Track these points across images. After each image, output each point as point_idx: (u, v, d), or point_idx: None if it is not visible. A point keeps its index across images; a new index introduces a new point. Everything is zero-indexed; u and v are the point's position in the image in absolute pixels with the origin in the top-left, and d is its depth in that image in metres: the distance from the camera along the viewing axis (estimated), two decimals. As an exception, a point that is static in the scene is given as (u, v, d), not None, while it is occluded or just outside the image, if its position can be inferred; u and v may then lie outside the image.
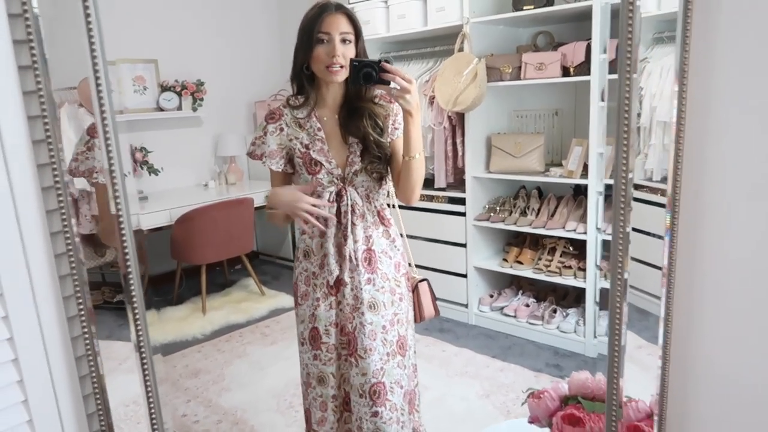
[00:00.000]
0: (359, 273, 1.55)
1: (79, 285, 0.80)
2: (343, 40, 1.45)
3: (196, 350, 3.33)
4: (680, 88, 0.70)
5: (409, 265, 1.73)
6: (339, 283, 1.56)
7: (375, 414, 1.55)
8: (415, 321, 1.72)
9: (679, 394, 0.86)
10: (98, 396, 0.87)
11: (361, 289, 1.54)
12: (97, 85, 0.72)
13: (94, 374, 0.85)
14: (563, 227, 3.08)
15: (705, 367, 0.85)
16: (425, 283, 1.76)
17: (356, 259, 1.54)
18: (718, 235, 0.79)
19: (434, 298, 1.78)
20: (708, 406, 0.86)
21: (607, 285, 0.86)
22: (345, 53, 1.45)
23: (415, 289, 1.72)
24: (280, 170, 1.59)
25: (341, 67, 1.45)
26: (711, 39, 0.72)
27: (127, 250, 0.82)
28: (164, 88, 4.20)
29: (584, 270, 3.00)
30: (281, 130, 1.57)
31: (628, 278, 0.75)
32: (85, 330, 0.83)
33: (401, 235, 1.69)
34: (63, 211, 0.76)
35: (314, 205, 1.48)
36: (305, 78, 1.54)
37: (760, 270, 0.78)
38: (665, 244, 0.77)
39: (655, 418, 0.82)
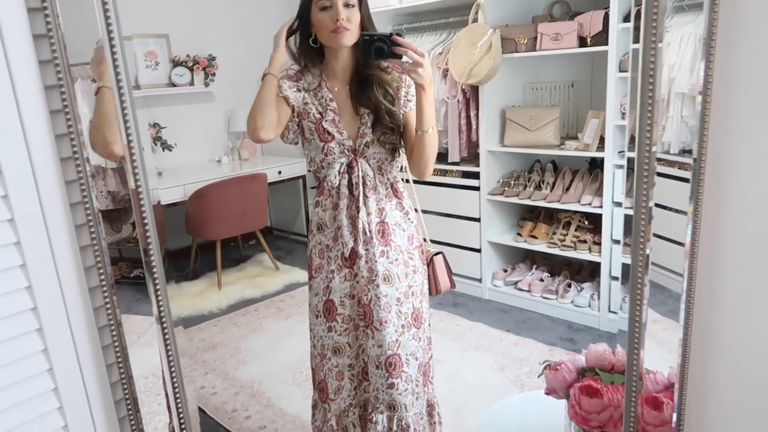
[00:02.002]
0: (373, 245, 1.55)
1: (99, 256, 0.81)
2: (346, 5, 1.43)
3: (213, 324, 3.38)
4: (707, 57, 0.68)
5: (424, 240, 1.73)
6: (354, 255, 1.56)
7: (391, 386, 1.57)
8: (431, 294, 1.72)
9: (699, 368, 0.86)
10: (121, 365, 0.88)
11: (376, 261, 1.54)
12: (114, 59, 0.72)
13: (117, 344, 0.87)
14: (578, 201, 3.05)
15: (724, 343, 0.85)
16: (440, 256, 1.76)
17: (370, 231, 1.54)
18: (742, 210, 0.77)
19: (449, 271, 1.78)
20: (727, 380, 0.86)
21: (626, 260, 0.85)
22: (349, 16, 1.43)
23: (430, 263, 1.72)
24: (288, 95, 1.52)
25: (346, 29, 1.43)
26: (740, 4, 0.69)
27: (147, 225, 0.83)
28: (176, 63, 4.19)
29: (599, 244, 2.98)
30: (298, 90, 1.55)
31: (650, 254, 0.74)
32: (107, 300, 0.84)
33: (416, 210, 1.68)
34: (82, 182, 0.77)
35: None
36: (313, 51, 1.53)
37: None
38: (689, 218, 0.76)
39: (676, 388, 0.82)
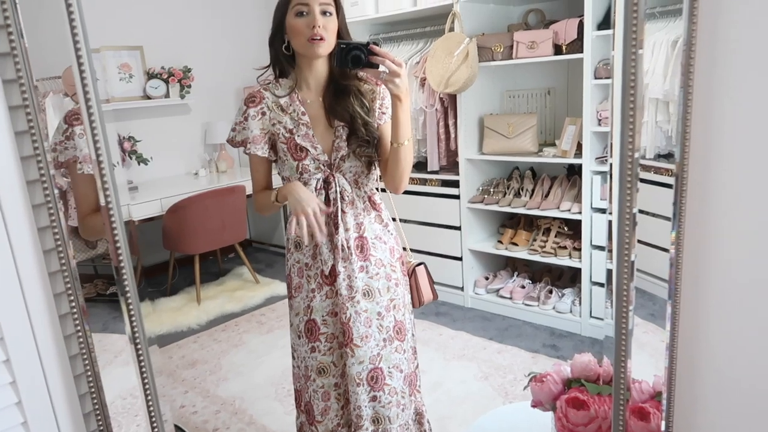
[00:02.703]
0: (352, 261, 1.51)
1: (69, 281, 0.78)
2: (324, 12, 1.39)
3: (192, 341, 3.31)
4: (686, 62, 0.68)
5: (404, 249, 1.70)
6: (334, 272, 1.52)
7: (373, 398, 1.54)
8: (414, 306, 1.70)
9: (686, 375, 0.85)
10: (94, 395, 0.84)
11: (355, 277, 1.51)
12: (81, 71, 0.69)
13: (89, 373, 0.83)
14: (558, 207, 3.07)
15: (710, 350, 0.84)
16: (422, 266, 1.73)
17: (348, 248, 1.50)
18: (726, 215, 0.77)
19: (432, 282, 1.75)
20: (715, 386, 0.85)
21: (610, 265, 0.84)
22: (326, 25, 1.39)
23: (412, 274, 1.69)
24: (265, 156, 1.52)
25: (322, 39, 1.38)
26: (719, 9, 0.69)
27: (118, 242, 0.79)
28: (151, 76, 4.13)
29: (579, 250, 3.00)
30: (263, 114, 1.50)
31: (635, 260, 0.73)
32: (78, 328, 0.81)
33: (394, 219, 1.66)
34: (50, 205, 0.73)
35: (316, 219, 1.42)
36: (285, 59, 1.48)
37: None
38: (673, 222, 0.75)
39: (664, 398, 0.81)
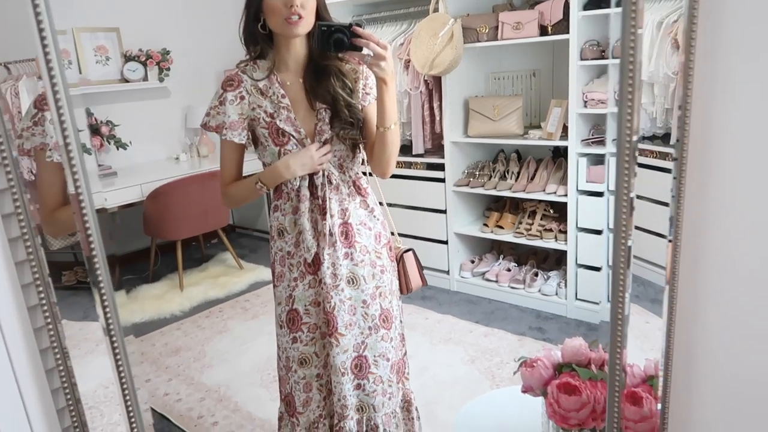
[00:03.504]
0: (337, 249, 1.46)
1: (38, 271, 0.73)
2: None
3: (176, 328, 3.27)
4: (687, 43, 0.65)
5: (392, 234, 1.66)
6: (317, 260, 1.47)
7: (357, 387, 1.52)
8: (402, 293, 1.66)
9: (681, 360, 0.84)
10: (67, 389, 0.81)
11: (340, 265, 1.47)
12: (45, 52, 0.64)
13: (61, 367, 0.79)
14: (543, 190, 3.06)
15: (706, 337, 0.83)
16: (411, 252, 1.69)
17: (333, 234, 1.46)
18: (723, 201, 0.75)
19: (421, 268, 1.71)
20: (710, 372, 0.84)
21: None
22: (304, 3, 1.32)
23: (400, 260, 1.65)
24: (242, 143, 1.46)
25: (300, 17, 1.32)
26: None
27: (89, 231, 0.75)
28: (128, 58, 4.03)
29: (565, 232, 2.99)
30: (242, 98, 1.44)
31: (632, 245, 0.71)
32: (49, 320, 0.77)
33: (381, 203, 1.61)
34: (14, 190, 0.69)
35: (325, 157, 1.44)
36: (261, 38, 1.41)
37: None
38: (671, 208, 0.73)
39: (660, 384, 0.80)
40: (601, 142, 2.81)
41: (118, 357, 0.83)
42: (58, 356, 0.78)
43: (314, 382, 1.55)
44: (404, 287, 1.66)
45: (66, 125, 0.64)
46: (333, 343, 1.48)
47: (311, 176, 1.46)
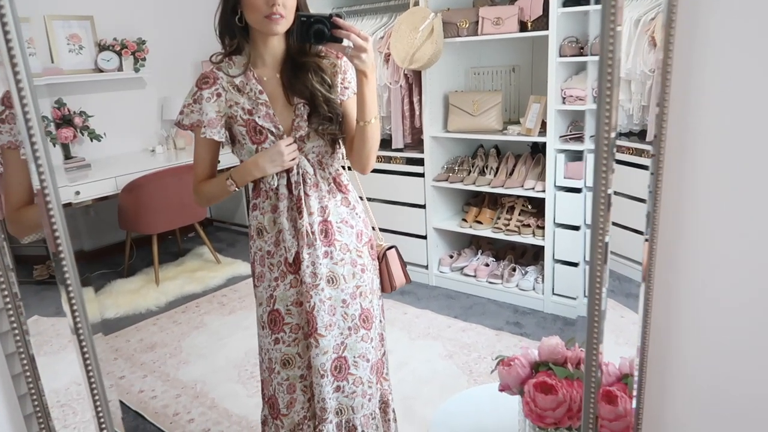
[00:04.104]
0: (316, 248, 1.44)
1: (2, 274, 0.70)
2: None
3: (151, 323, 3.22)
4: (666, 40, 0.65)
5: (373, 229, 1.64)
6: (298, 259, 1.45)
7: (337, 389, 1.49)
8: (385, 291, 1.64)
9: (657, 359, 0.84)
10: (35, 396, 0.78)
11: (319, 264, 1.44)
12: (9, 47, 0.61)
13: (28, 373, 0.76)
14: (522, 186, 3.07)
15: (681, 335, 0.83)
16: (393, 250, 1.66)
17: (312, 233, 1.43)
18: (699, 198, 0.75)
19: (404, 265, 1.69)
20: (686, 370, 0.85)
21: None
22: (285, 2, 1.29)
23: (383, 258, 1.62)
24: (222, 140, 1.42)
25: (281, 16, 1.29)
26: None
27: (55, 225, 0.72)
28: (102, 48, 3.94)
29: (543, 228, 3.01)
30: (218, 95, 1.39)
31: (608, 242, 0.71)
32: (15, 325, 0.74)
33: (361, 198, 1.59)
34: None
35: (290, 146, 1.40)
36: (239, 32, 1.36)
37: (748, 237, 0.75)
38: (648, 204, 0.73)
39: (635, 384, 0.80)
40: (579, 139, 2.83)
41: (87, 357, 0.80)
42: (25, 362, 0.75)
43: (298, 384, 1.52)
44: (388, 285, 1.64)
45: (31, 123, 0.61)
46: (313, 344, 1.45)
47: (288, 174, 1.43)
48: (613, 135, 0.64)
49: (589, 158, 0.73)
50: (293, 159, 1.40)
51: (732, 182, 0.74)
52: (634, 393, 0.81)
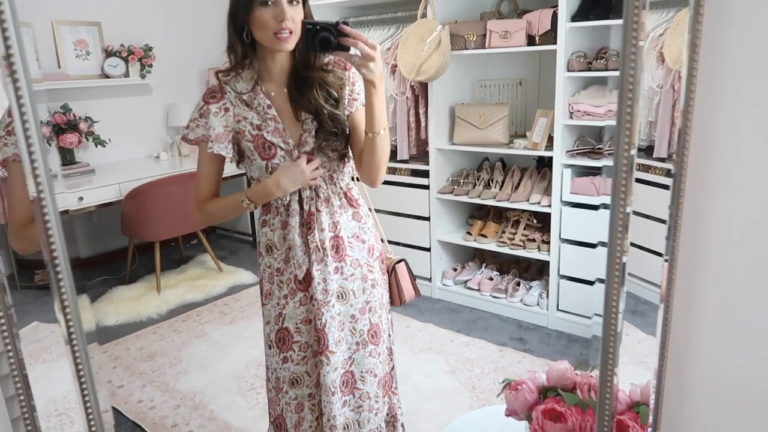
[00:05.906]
0: (327, 263, 1.41)
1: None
2: (291, 1, 1.26)
3: (151, 331, 3.19)
4: (691, 56, 0.62)
5: (382, 241, 1.60)
6: (308, 277, 1.41)
7: (344, 404, 1.47)
8: (394, 305, 1.61)
9: (673, 385, 0.81)
10: (23, 398, 0.75)
11: (330, 280, 1.41)
12: (7, 45, 0.60)
13: (15, 374, 0.74)
14: (527, 200, 3.05)
15: (703, 362, 0.80)
16: (403, 263, 1.63)
17: (324, 249, 1.40)
18: (724, 218, 0.72)
19: (413, 279, 1.65)
20: (704, 401, 0.82)
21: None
22: (294, 17, 1.26)
23: (392, 272, 1.59)
24: (229, 156, 1.40)
25: (291, 32, 1.26)
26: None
27: (51, 232, 0.70)
28: (109, 53, 3.95)
29: (548, 243, 2.98)
30: (226, 110, 1.37)
31: (626, 263, 0.68)
32: (5, 327, 0.71)
33: (370, 209, 1.55)
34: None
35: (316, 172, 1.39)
36: (246, 47, 1.33)
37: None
38: (669, 225, 0.70)
39: (651, 410, 0.77)
40: (586, 154, 2.81)
41: (80, 369, 0.78)
42: (13, 363, 0.73)
43: (306, 402, 1.49)
44: (397, 299, 1.60)
45: (27, 118, 0.59)
46: (324, 361, 1.42)
47: (300, 191, 1.40)
48: (633, 152, 0.62)
49: (608, 175, 0.71)
50: (314, 178, 1.38)
51: (754, 202, 0.72)
52: (650, 420, 0.78)
